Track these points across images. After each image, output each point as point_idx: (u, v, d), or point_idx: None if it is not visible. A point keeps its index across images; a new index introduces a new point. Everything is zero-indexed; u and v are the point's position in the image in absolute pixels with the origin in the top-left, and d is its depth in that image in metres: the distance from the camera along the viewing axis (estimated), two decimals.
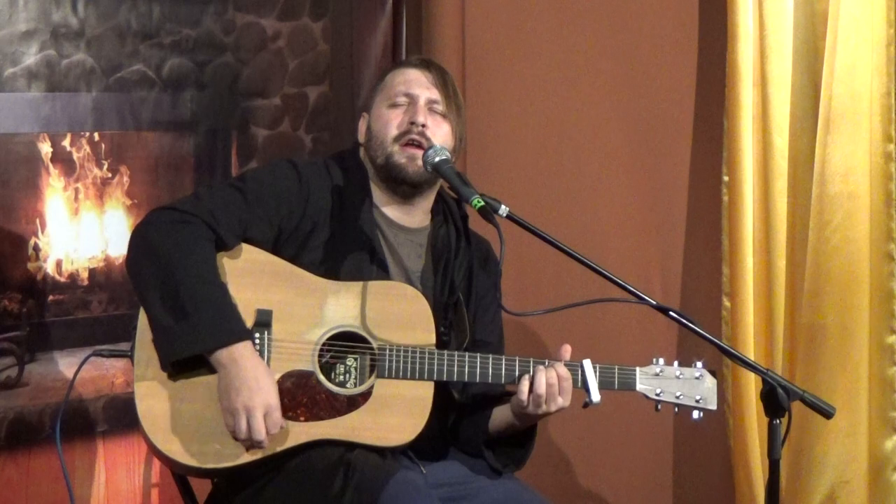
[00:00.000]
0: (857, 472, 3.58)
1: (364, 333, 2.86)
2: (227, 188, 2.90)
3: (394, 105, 2.98)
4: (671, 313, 2.75)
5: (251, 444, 2.74)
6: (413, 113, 2.96)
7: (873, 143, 3.54)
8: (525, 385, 2.84)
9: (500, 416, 2.98)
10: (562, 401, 2.86)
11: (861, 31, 3.51)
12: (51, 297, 3.49)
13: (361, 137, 3.04)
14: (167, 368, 2.77)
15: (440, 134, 2.96)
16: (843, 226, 3.55)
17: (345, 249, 2.92)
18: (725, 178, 3.74)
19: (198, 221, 2.81)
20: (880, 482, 3.58)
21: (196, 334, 2.73)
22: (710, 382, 2.91)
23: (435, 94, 2.99)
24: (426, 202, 3.04)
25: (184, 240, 2.79)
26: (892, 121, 3.52)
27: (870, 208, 3.55)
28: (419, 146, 2.95)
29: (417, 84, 2.99)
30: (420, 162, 2.93)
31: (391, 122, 2.97)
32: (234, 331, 2.76)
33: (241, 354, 2.74)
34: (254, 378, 2.73)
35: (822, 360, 3.57)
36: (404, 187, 2.98)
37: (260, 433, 2.72)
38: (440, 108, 2.99)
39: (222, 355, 2.74)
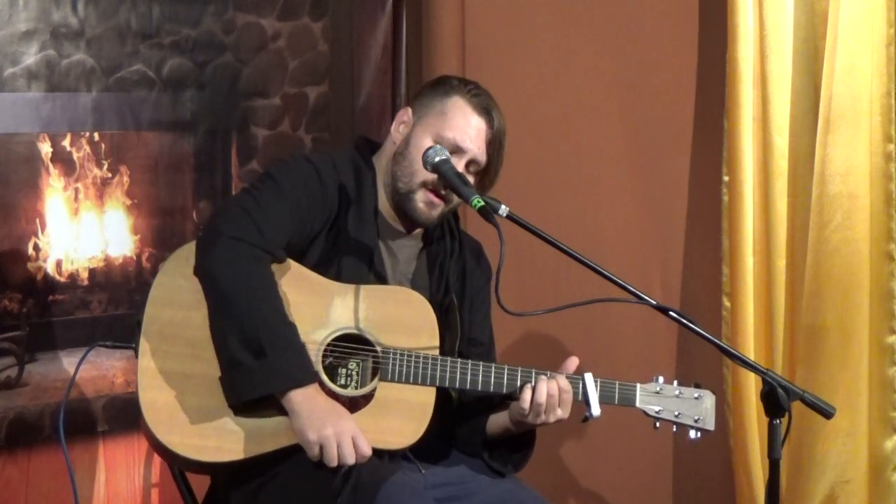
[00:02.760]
0: (857, 472, 3.58)
1: (368, 337, 2.86)
2: (272, 200, 2.86)
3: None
4: (671, 313, 2.75)
5: (339, 469, 2.73)
6: None
7: (873, 143, 3.54)
8: (527, 394, 2.84)
9: (498, 421, 2.98)
10: (561, 412, 2.86)
11: (861, 31, 3.51)
12: (51, 297, 3.49)
13: (396, 138, 2.99)
14: (238, 406, 2.77)
15: None
16: (843, 226, 3.55)
17: (345, 250, 2.92)
18: (725, 178, 3.74)
19: (264, 257, 2.80)
20: (880, 482, 3.58)
21: (275, 374, 2.74)
22: (708, 403, 2.92)
23: (482, 154, 2.95)
24: None
25: (257, 279, 2.78)
26: (892, 121, 3.52)
27: (870, 208, 3.55)
28: (442, 197, 2.94)
29: (473, 140, 2.94)
30: (435, 212, 2.93)
31: None
32: (307, 372, 2.77)
33: (314, 393, 2.77)
34: (333, 410, 2.76)
35: (822, 360, 3.57)
36: (409, 219, 2.98)
37: (350, 457, 2.72)
38: (477, 167, 2.96)
39: (297, 395, 2.75)
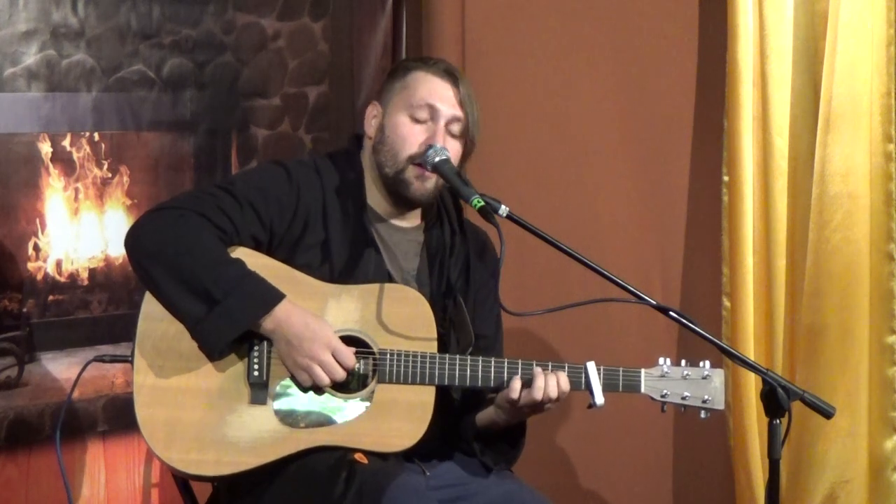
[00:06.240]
0: (857, 472, 3.58)
1: (366, 338, 2.85)
2: (215, 190, 2.87)
3: (414, 118, 2.93)
4: (671, 313, 2.75)
5: (336, 385, 2.79)
6: (433, 135, 2.92)
7: (873, 143, 3.54)
8: (516, 383, 2.82)
9: (487, 413, 2.96)
10: (552, 406, 2.86)
11: (861, 31, 3.51)
12: (51, 297, 3.49)
13: (370, 131, 3.00)
14: (216, 357, 2.78)
15: (451, 153, 2.93)
16: (843, 226, 3.55)
17: (341, 250, 2.91)
18: (725, 178, 3.74)
19: (190, 213, 2.81)
20: (880, 482, 3.58)
21: (233, 315, 2.75)
22: (717, 382, 2.88)
23: (458, 111, 2.94)
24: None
25: (184, 231, 2.79)
26: (892, 121, 3.52)
27: (870, 208, 3.55)
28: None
29: (442, 99, 2.94)
30: (429, 184, 2.93)
31: (409, 139, 2.93)
32: (267, 296, 2.77)
33: (283, 314, 2.77)
34: (305, 327, 2.77)
35: (822, 361, 3.57)
36: (406, 201, 2.97)
37: (337, 373, 2.77)
38: (457, 128, 2.95)
39: (267, 323, 2.77)
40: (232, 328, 2.75)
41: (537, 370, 2.84)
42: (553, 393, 2.82)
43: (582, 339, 3.82)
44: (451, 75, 2.97)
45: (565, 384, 2.84)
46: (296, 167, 2.95)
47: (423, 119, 2.94)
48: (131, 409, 2.79)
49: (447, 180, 2.86)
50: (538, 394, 2.81)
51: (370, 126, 3.01)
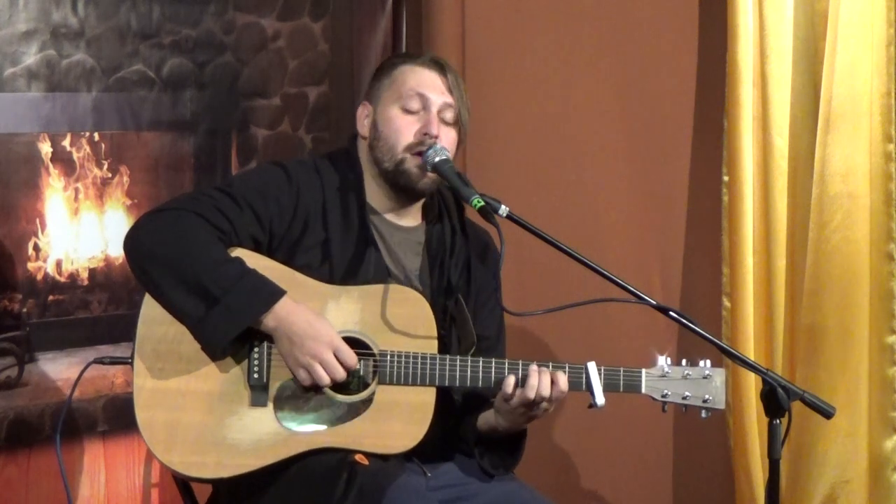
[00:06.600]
0: (857, 472, 3.58)
1: (366, 339, 2.84)
2: (213, 192, 2.88)
3: (406, 109, 2.94)
4: (671, 313, 2.75)
5: (336, 386, 2.79)
6: (427, 123, 2.92)
7: (873, 143, 3.54)
8: (511, 379, 2.82)
9: (488, 417, 2.96)
10: (548, 405, 2.85)
11: (861, 31, 3.51)
12: (51, 297, 3.49)
13: (364, 131, 3.00)
14: (217, 356, 2.78)
15: (447, 143, 2.94)
16: (843, 226, 3.55)
17: (341, 250, 2.91)
18: (725, 178, 3.75)
19: (188, 214, 2.81)
20: (880, 482, 3.58)
21: (234, 312, 2.75)
22: (718, 381, 2.88)
23: (448, 98, 2.95)
24: (420, 203, 3.04)
25: (182, 232, 2.79)
26: (892, 121, 3.52)
27: (870, 208, 3.55)
28: None
29: (432, 87, 2.95)
30: (429, 172, 2.93)
31: (403, 130, 2.93)
32: (268, 293, 2.77)
33: (284, 311, 2.77)
34: (307, 325, 2.77)
35: (822, 360, 3.57)
36: (408, 193, 2.97)
37: (338, 372, 2.76)
38: (450, 115, 2.96)
39: (268, 320, 2.77)
40: (233, 325, 2.75)
41: (532, 368, 2.83)
42: (546, 391, 2.81)
43: (582, 339, 3.82)
44: (438, 64, 2.99)
45: (563, 384, 2.83)
46: (295, 167, 2.95)
47: (415, 109, 2.95)
48: (131, 410, 2.79)
49: (447, 180, 2.86)
50: (531, 392, 2.80)
51: (363, 126, 3.01)
